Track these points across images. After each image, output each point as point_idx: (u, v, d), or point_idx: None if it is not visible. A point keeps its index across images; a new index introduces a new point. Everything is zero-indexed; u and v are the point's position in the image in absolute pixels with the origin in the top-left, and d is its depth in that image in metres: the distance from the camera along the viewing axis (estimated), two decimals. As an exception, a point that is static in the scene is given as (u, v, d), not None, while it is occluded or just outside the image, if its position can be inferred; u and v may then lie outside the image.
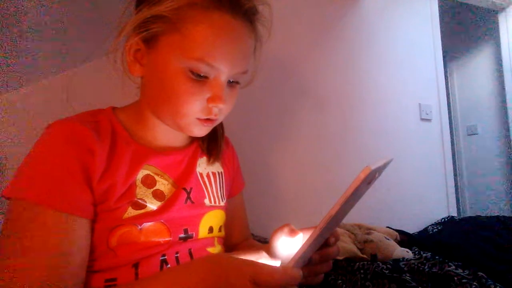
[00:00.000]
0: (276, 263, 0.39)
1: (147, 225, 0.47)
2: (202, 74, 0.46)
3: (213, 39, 0.45)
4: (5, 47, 0.83)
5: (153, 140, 0.54)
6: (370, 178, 0.34)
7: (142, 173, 0.50)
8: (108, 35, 0.49)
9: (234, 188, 0.67)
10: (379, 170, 0.35)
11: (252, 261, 0.35)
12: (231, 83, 0.51)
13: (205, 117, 0.50)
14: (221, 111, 0.51)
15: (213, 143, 0.61)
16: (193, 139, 0.60)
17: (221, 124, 0.64)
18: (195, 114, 0.49)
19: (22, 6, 0.77)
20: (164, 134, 0.55)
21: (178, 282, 0.37)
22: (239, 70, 0.49)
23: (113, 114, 0.53)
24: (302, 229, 0.47)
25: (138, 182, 0.49)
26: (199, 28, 0.44)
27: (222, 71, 0.47)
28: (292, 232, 0.46)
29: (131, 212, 0.47)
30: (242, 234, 0.69)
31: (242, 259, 0.36)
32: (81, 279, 0.42)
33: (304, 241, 0.37)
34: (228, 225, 0.62)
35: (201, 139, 0.60)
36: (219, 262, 0.37)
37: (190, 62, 0.45)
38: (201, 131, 0.52)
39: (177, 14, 0.44)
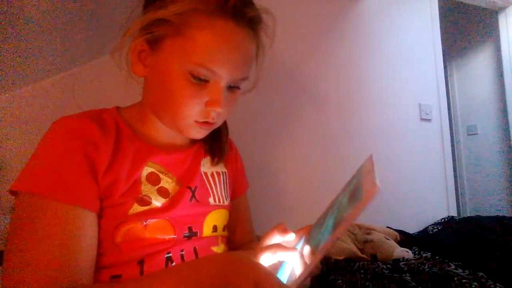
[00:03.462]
0: (294, 254, 0.40)
1: (152, 221, 0.48)
2: (202, 78, 0.47)
3: (215, 45, 0.46)
4: (6, 46, 0.83)
5: (157, 139, 0.55)
6: None
7: (146, 170, 0.50)
8: (113, 34, 0.49)
9: (237, 189, 0.68)
10: None
11: (258, 266, 0.36)
12: (231, 88, 0.51)
13: (203, 120, 0.50)
14: (219, 115, 0.51)
15: (216, 144, 0.62)
16: (196, 140, 0.60)
17: (225, 126, 0.64)
18: (194, 117, 0.50)
19: (24, 5, 0.77)
20: (166, 133, 0.56)
21: (187, 279, 0.37)
22: (239, 77, 0.50)
23: (117, 113, 0.54)
24: (296, 230, 0.48)
25: (143, 179, 0.49)
26: (201, 34, 0.45)
27: (222, 76, 0.48)
28: (284, 231, 0.47)
29: (136, 208, 0.47)
30: (245, 237, 0.69)
31: (250, 260, 0.37)
32: (90, 272, 0.43)
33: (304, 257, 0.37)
34: (231, 226, 0.62)
35: (204, 139, 0.61)
36: (227, 262, 0.37)
37: (191, 66, 0.46)
38: (199, 134, 0.53)
39: (181, 18, 0.45)
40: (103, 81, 0.91)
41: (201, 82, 0.47)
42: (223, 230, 0.59)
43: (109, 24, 0.48)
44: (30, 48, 0.87)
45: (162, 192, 0.51)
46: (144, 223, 0.47)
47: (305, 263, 0.39)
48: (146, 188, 0.49)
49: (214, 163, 0.61)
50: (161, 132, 0.55)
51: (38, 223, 0.40)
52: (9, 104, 0.89)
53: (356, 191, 0.35)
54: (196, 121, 0.50)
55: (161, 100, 0.50)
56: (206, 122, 0.51)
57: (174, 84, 0.47)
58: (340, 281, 0.72)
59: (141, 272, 0.45)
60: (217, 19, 0.45)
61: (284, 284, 0.35)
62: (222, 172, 0.62)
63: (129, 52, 0.50)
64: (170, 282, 0.37)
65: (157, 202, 0.49)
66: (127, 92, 0.55)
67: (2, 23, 0.78)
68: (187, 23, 0.45)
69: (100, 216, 0.45)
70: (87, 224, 0.43)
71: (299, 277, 0.37)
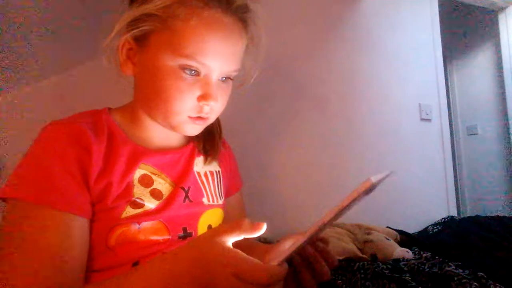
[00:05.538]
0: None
1: (145, 224, 0.47)
2: (192, 72, 0.46)
3: (203, 36, 0.45)
4: (6, 48, 0.83)
5: (149, 140, 0.54)
6: (369, 190, 0.33)
7: (139, 172, 0.49)
8: (104, 36, 0.49)
9: (231, 187, 0.67)
10: (379, 183, 0.34)
11: (236, 254, 0.34)
12: (224, 80, 0.50)
13: (196, 115, 0.49)
14: (213, 109, 0.50)
15: (209, 143, 0.61)
16: (189, 139, 0.60)
17: (218, 124, 0.63)
18: (186, 112, 0.49)
19: (21, 8, 0.77)
20: (159, 134, 0.55)
21: (163, 274, 0.36)
22: (231, 68, 0.49)
23: (109, 114, 0.53)
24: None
25: (136, 182, 0.49)
26: (188, 26, 0.44)
27: (213, 68, 0.47)
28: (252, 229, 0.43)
29: (129, 211, 0.47)
30: None
31: (227, 248, 0.34)
32: (80, 279, 0.42)
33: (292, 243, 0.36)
34: None
35: (197, 138, 0.60)
36: (203, 252, 0.35)
37: (180, 60, 0.45)
38: (194, 129, 0.52)
39: (166, 12, 0.44)
40: (102, 81, 0.91)
41: (191, 75, 0.46)
42: None
43: (108, 25, 0.48)
44: (30, 49, 0.87)
45: (155, 194, 0.50)
46: (138, 225, 0.46)
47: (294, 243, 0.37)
48: (139, 191, 0.48)
49: (207, 162, 0.60)
50: (154, 132, 0.54)
51: (26, 229, 0.39)
52: (9, 104, 0.89)
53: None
54: (189, 117, 0.49)
55: (152, 97, 0.49)
56: (200, 117, 0.50)
57: (164, 80, 0.46)
58: (340, 281, 0.72)
59: None
60: (203, 10, 0.45)
61: (266, 265, 0.33)
62: (216, 171, 0.62)
63: (117, 51, 0.49)
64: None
65: (150, 204, 0.49)
66: (123, 92, 0.54)
67: (2, 25, 0.78)
68: (173, 16, 0.44)
69: (92, 220, 0.45)
70: (77, 230, 0.42)
71: (283, 253, 0.35)
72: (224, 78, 0.50)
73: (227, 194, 0.66)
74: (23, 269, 0.38)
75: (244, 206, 0.72)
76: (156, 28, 0.46)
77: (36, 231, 0.39)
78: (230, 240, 0.35)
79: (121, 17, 0.47)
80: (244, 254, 0.34)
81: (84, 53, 0.92)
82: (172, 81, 0.46)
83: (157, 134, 0.55)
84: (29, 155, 0.44)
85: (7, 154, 0.86)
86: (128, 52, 0.50)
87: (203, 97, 0.48)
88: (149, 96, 0.50)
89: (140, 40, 0.48)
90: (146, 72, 0.49)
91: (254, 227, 0.36)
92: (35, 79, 0.92)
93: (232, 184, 0.68)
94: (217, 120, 0.63)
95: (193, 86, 0.47)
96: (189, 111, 0.49)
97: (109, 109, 0.55)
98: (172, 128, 0.52)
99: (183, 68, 0.46)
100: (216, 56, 0.46)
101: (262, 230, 0.36)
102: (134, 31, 0.46)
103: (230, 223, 0.36)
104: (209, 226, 0.56)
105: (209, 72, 0.47)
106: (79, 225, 0.43)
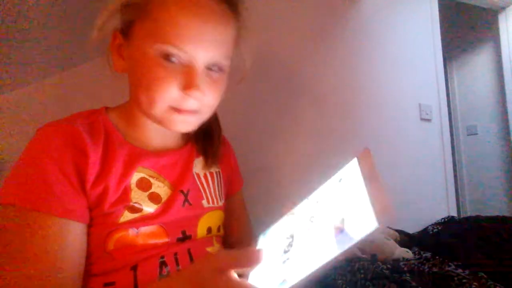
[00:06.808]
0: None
1: (144, 228, 0.46)
2: (173, 59, 0.44)
3: (182, 21, 0.43)
4: (6, 48, 0.83)
5: (146, 141, 0.53)
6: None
7: (136, 176, 0.48)
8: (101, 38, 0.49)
9: (232, 187, 0.66)
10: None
11: (240, 283, 0.32)
12: (213, 70, 0.48)
13: (181, 107, 0.47)
14: (202, 101, 0.48)
15: (208, 143, 0.60)
16: (187, 139, 0.59)
17: (217, 123, 0.62)
18: (168, 102, 0.46)
19: (23, 8, 0.77)
20: (155, 134, 0.53)
21: None
22: (216, 55, 0.47)
23: (106, 114, 0.51)
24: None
25: (133, 186, 0.47)
26: (168, 11, 0.43)
27: (195, 55, 0.45)
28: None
29: (127, 216, 0.46)
30: (242, 233, 0.68)
31: (230, 278, 0.32)
32: (78, 284, 0.42)
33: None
34: (227, 224, 0.61)
35: (196, 138, 0.59)
36: (206, 279, 0.33)
37: (161, 47, 0.43)
38: (185, 124, 0.50)
39: None
40: (103, 81, 0.91)
41: (175, 63, 0.44)
42: (218, 231, 0.58)
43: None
44: (30, 49, 0.87)
45: (154, 198, 0.49)
46: (136, 230, 0.46)
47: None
48: (137, 195, 0.47)
49: (208, 164, 0.59)
50: (150, 132, 0.53)
51: (22, 235, 0.39)
52: (9, 104, 0.89)
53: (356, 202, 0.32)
54: (171, 107, 0.47)
55: (137, 89, 0.47)
56: (186, 110, 0.47)
57: (145, 68, 0.44)
58: (340, 281, 0.72)
59: (135, 278, 0.44)
60: None
61: None
62: (216, 172, 0.61)
63: (109, 49, 0.49)
64: None
65: (149, 208, 0.48)
66: (123, 92, 0.54)
67: (2, 25, 0.78)
68: (152, 3, 0.43)
69: (90, 225, 0.44)
70: (74, 236, 0.41)
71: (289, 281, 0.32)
72: (215, 68, 0.48)
73: (228, 194, 0.65)
74: (20, 276, 0.37)
75: (245, 206, 0.71)
76: (137, 17, 0.45)
77: (33, 238, 0.39)
78: (231, 270, 0.33)
79: (102, 10, 0.46)
80: (249, 283, 0.32)
81: (85, 53, 0.91)
82: (153, 69, 0.44)
83: (153, 134, 0.53)
84: (24, 158, 0.43)
85: (6, 155, 0.86)
86: (119, 49, 0.49)
87: (187, 86, 0.45)
88: (135, 88, 0.48)
89: (125, 32, 0.47)
90: (132, 64, 0.47)
91: (251, 259, 0.33)
92: (35, 79, 0.92)
93: (232, 184, 0.67)
94: (216, 119, 0.61)
95: (176, 75, 0.45)
96: (171, 101, 0.46)
97: (107, 108, 0.54)
98: (160, 122, 0.49)
99: (164, 55, 0.44)
100: (196, 42, 0.44)
101: (260, 260, 0.33)
102: (116, 23, 0.46)
103: (226, 253, 0.34)
104: (209, 228, 0.55)
105: (192, 59, 0.45)
106: (76, 231, 0.42)
